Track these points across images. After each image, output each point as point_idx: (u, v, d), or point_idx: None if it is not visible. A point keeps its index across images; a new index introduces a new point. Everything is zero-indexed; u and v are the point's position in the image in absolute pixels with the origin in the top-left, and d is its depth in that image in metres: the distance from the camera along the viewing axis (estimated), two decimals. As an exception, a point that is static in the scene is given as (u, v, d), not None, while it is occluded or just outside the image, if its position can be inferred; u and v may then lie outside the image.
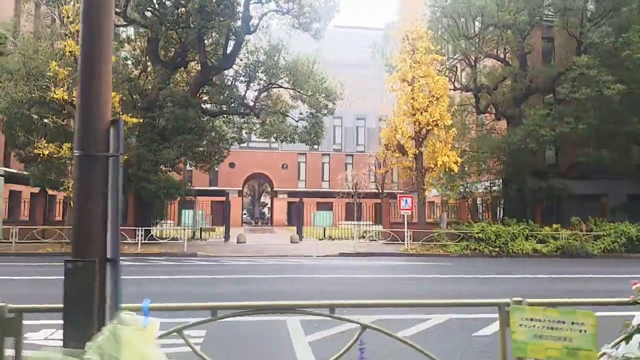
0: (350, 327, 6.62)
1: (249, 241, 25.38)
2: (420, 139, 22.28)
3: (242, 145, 36.09)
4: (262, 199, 69.12)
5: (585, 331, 2.83)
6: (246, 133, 31.80)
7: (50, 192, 23.54)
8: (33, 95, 18.51)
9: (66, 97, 17.95)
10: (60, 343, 5.08)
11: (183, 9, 23.15)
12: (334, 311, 3.40)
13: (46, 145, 17.94)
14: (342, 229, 29.11)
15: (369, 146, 50.79)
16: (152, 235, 21.60)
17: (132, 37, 26.58)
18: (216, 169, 34.81)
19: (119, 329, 2.48)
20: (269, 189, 58.81)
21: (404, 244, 20.88)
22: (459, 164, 21.91)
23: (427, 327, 6.97)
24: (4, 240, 19.25)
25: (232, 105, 27.03)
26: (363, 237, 24.96)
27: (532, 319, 3.01)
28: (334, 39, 41.13)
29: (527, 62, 25.59)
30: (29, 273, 12.63)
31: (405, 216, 21.00)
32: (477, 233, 20.20)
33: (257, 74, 27.21)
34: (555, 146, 25.28)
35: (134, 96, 23.32)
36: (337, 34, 43.04)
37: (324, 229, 28.66)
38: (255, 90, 27.90)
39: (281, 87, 27.85)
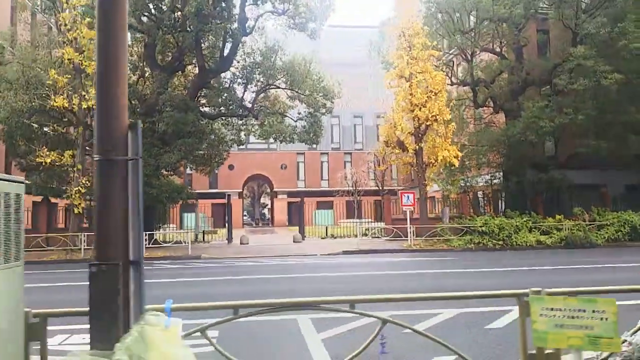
0: (362, 323, 6.81)
1: (251, 242, 25.42)
2: (420, 135, 22.32)
3: (240, 147, 36.09)
4: (262, 200, 69.15)
5: (606, 319, 2.85)
6: (245, 135, 31.84)
7: (52, 199, 23.57)
8: (33, 104, 18.54)
9: (66, 105, 17.98)
10: (75, 348, 5.14)
11: (179, 12, 23.16)
12: (355, 307, 3.46)
13: (48, 153, 17.96)
14: (344, 227, 29.13)
15: (367, 144, 50.89)
16: (155, 239, 21.64)
17: (130, 42, 26.55)
18: (216, 171, 34.83)
19: (145, 330, 2.52)
20: (268, 190, 58.84)
21: (407, 240, 20.90)
22: (459, 159, 21.95)
23: (438, 322, 6.99)
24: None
25: (231, 107, 27.05)
26: (365, 234, 24.98)
27: (552, 309, 3.03)
28: (329, 39, 41.16)
29: (523, 55, 25.63)
30: (35, 280, 12.64)
31: (408, 212, 21.03)
32: (480, 227, 20.24)
33: (254, 76, 27.26)
34: (554, 138, 25.33)
35: (133, 101, 23.33)
36: (332, 33, 43.05)
37: (326, 227, 28.67)
38: (253, 92, 27.94)
39: (279, 87, 27.89)
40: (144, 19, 23.26)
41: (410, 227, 20.82)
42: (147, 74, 25.14)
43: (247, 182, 54.96)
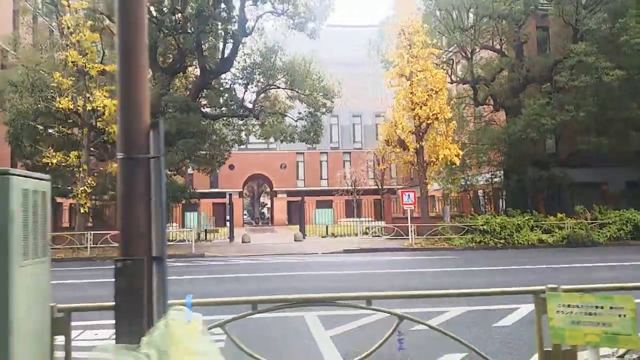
0: (370, 320, 6.87)
1: (253, 241, 25.53)
2: (421, 133, 22.35)
3: (241, 147, 36.14)
4: (262, 199, 69.24)
5: (624, 315, 2.85)
6: (246, 135, 31.89)
7: (57, 199, 23.67)
8: (38, 106, 18.75)
9: (71, 107, 18.20)
10: (90, 343, 5.20)
11: (180, 14, 23.18)
12: (371, 303, 3.50)
13: (54, 154, 18.14)
14: (344, 225, 29.17)
15: (366, 143, 50.94)
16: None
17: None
18: (217, 171, 34.89)
19: (169, 325, 2.57)
20: (268, 189, 58.89)
21: (408, 238, 20.93)
22: (460, 157, 21.97)
23: (446, 319, 7.01)
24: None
25: (232, 107, 27.11)
26: (366, 233, 25.01)
27: (569, 305, 3.03)
28: (328, 38, 41.13)
29: (523, 52, 25.65)
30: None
31: (409, 211, 21.06)
32: (481, 225, 20.22)
33: (254, 76, 27.28)
34: (555, 135, 25.37)
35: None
36: (331, 33, 43.05)
37: (326, 226, 28.70)
38: (253, 92, 27.97)
39: (279, 87, 27.93)
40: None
41: (411, 226, 20.85)
42: (149, 76, 25.13)
43: (247, 182, 55.02)
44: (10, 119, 19.48)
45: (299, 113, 28.37)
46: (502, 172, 25.78)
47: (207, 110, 27.68)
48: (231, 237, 26.28)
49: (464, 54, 26.05)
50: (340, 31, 50.63)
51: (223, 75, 27.10)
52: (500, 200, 26.86)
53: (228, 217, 28.19)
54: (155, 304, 2.76)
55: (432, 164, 22.16)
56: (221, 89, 27.20)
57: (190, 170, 34.31)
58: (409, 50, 22.64)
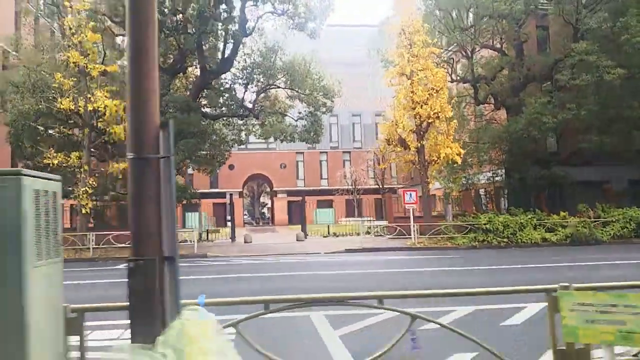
0: (378, 320, 6.84)
1: (254, 241, 25.47)
2: (422, 132, 22.35)
3: (240, 147, 36.15)
4: (262, 199, 69.24)
5: (639, 314, 2.83)
6: (246, 135, 31.89)
7: (58, 200, 23.61)
8: (40, 106, 18.71)
9: (72, 107, 18.18)
10: (99, 343, 5.17)
11: (181, 15, 23.17)
12: (383, 302, 3.52)
13: (55, 155, 18.12)
14: (346, 225, 29.16)
15: (365, 143, 50.96)
16: None
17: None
18: (217, 171, 34.92)
19: (184, 324, 2.59)
20: (267, 189, 58.90)
21: (411, 238, 20.91)
22: (461, 156, 21.95)
23: (453, 319, 6.99)
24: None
25: (232, 107, 27.12)
26: (368, 232, 25.00)
27: (582, 304, 3.01)
28: (328, 38, 41.12)
29: (523, 51, 25.68)
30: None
31: (411, 210, 21.03)
32: (484, 224, 20.15)
33: (254, 76, 27.27)
34: (556, 134, 25.37)
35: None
36: (331, 32, 43.06)
37: (328, 226, 28.68)
38: (253, 92, 27.96)
39: (279, 87, 27.92)
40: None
41: (413, 225, 20.83)
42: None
43: (247, 182, 55.03)
44: (12, 119, 19.48)
45: (299, 113, 28.38)
46: (503, 170, 25.76)
47: (207, 110, 27.67)
48: (233, 237, 26.28)
49: (464, 53, 26.06)
50: (339, 31, 50.63)
51: (223, 76, 27.10)
52: (502, 199, 26.85)
53: (229, 217, 28.21)
54: (168, 303, 2.76)
55: (433, 162, 22.16)
56: (221, 89, 27.20)
57: (190, 171, 34.33)
58: (409, 50, 22.66)
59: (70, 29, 19.45)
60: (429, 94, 21.75)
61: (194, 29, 22.59)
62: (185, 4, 22.53)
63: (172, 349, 2.48)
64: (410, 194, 21.02)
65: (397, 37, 23.58)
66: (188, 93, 25.17)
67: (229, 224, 27.58)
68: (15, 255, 2.26)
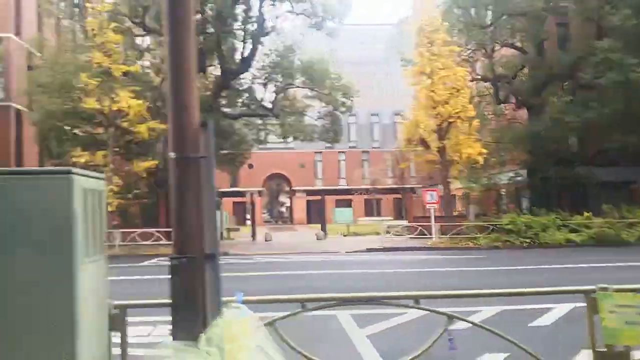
0: (404, 320, 6.82)
1: (275, 239, 25.58)
2: (443, 132, 22.19)
3: (259, 146, 36.31)
4: (280, 198, 69.52)
5: None
6: (265, 134, 32.01)
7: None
8: (66, 106, 18.99)
9: (97, 107, 18.42)
10: (135, 340, 5.25)
11: (200, 15, 23.37)
12: (419, 302, 3.50)
13: (81, 153, 18.44)
14: (365, 224, 29.14)
15: (384, 142, 50.68)
16: None
17: (151, 46, 26.89)
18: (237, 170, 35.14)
19: (226, 322, 2.62)
20: (287, 188, 59.12)
21: (432, 237, 20.79)
22: (484, 156, 21.73)
23: (481, 319, 6.96)
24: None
25: (252, 107, 27.25)
26: (388, 232, 24.91)
27: (622, 306, 2.98)
28: (345, 37, 41.10)
29: (544, 49, 25.31)
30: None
31: (432, 210, 20.90)
32: (506, 224, 19.91)
33: (273, 76, 27.35)
34: (580, 133, 24.93)
35: (158, 103, 23.59)
36: (348, 31, 43.00)
37: (348, 225, 28.68)
38: (272, 92, 28.04)
39: (298, 87, 27.95)
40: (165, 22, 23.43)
41: (435, 225, 20.68)
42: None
43: (266, 181, 55.24)
44: (39, 119, 19.83)
45: (318, 112, 28.40)
46: (525, 170, 25.42)
47: (227, 110, 27.85)
48: (254, 236, 26.45)
49: (485, 52, 25.79)
50: (357, 30, 50.37)
51: (242, 75, 27.24)
52: (523, 199, 26.50)
53: (248, 216, 28.38)
54: (210, 301, 2.80)
55: (455, 162, 21.97)
56: (241, 89, 27.33)
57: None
58: (429, 48, 22.51)
59: (93, 30, 19.73)
60: (449, 93, 21.60)
61: (212, 29, 22.75)
62: (204, 4, 22.73)
63: (215, 347, 2.51)
64: (432, 194, 20.89)
65: (416, 36, 23.46)
66: (208, 93, 25.36)
67: (248, 222, 27.76)
68: (66, 252, 2.31)
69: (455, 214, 24.16)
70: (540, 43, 25.04)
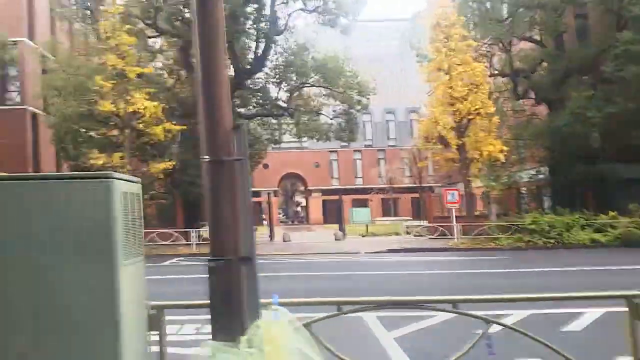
0: (430, 323, 6.62)
1: (292, 239, 25.44)
2: (462, 129, 21.83)
3: (274, 146, 36.28)
4: (295, 198, 69.62)
5: None
6: (280, 134, 31.94)
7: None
8: (81, 109, 19.11)
9: (113, 109, 18.51)
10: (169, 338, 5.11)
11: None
12: (457, 306, 3.42)
13: (98, 155, 18.55)
14: (383, 224, 28.89)
15: (401, 140, 50.32)
16: (203, 236, 22.27)
17: (164, 47, 26.95)
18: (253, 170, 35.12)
19: (265, 323, 2.67)
20: (301, 188, 59.15)
21: (453, 238, 20.44)
22: (504, 153, 21.31)
23: (512, 322, 6.78)
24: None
25: (266, 107, 27.15)
26: (408, 232, 24.63)
27: None
28: (358, 33, 40.95)
29: (563, 43, 24.79)
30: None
31: (453, 210, 20.54)
32: (529, 224, 19.41)
33: (287, 75, 27.23)
34: (602, 129, 24.35)
35: (172, 105, 23.62)
36: (361, 27, 42.83)
37: (366, 225, 28.45)
38: (286, 91, 27.91)
39: (313, 85, 27.78)
40: (178, 23, 23.48)
41: (456, 225, 20.30)
42: (183, 78, 25.44)
43: (281, 181, 55.30)
44: (55, 122, 19.94)
45: (333, 111, 28.23)
46: (546, 168, 24.90)
47: (242, 110, 27.80)
48: (271, 236, 26.39)
49: (502, 46, 25.35)
50: (370, 26, 50.19)
51: (256, 75, 27.16)
52: (545, 198, 25.96)
53: (264, 216, 28.35)
54: (248, 303, 2.84)
55: (475, 160, 21.57)
56: (254, 88, 27.27)
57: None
58: (445, 44, 22.16)
59: (106, 32, 19.81)
60: (468, 89, 21.22)
61: (225, 29, 22.67)
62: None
63: (255, 348, 2.56)
64: (453, 194, 20.55)
65: (432, 31, 23.12)
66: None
67: (264, 222, 27.72)
68: (108, 254, 2.41)
69: (476, 213, 23.68)
70: (559, 36, 24.54)
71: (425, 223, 25.10)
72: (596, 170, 22.76)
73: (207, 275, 2.83)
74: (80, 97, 19.61)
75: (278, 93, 27.89)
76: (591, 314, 6.98)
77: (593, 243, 18.81)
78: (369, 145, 52.38)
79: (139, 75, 20.27)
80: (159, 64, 26.91)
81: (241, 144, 2.93)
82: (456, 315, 3.43)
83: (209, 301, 2.84)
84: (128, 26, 20.55)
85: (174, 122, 20.27)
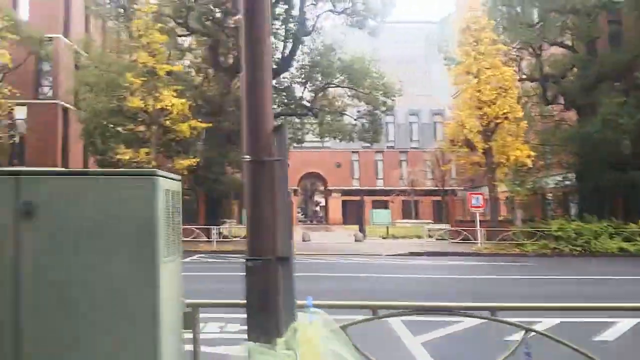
0: (457, 328, 6.55)
1: (312, 239, 25.43)
2: (489, 133, 21.56)
3: (295, 145, 36.36)
4: (315, 198, 69.64)
5: None
6: (304, 133, 31.98)
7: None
8: (111, 105, 19.43)
9: (142, 106, 18.78)
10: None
11: (240, 15, 23.46)
12: (496, 314, 3.37)
13: (126, 150, 18.84)
14: (403, 227, 28.71)
15: (423, 142, 49.91)
16: (224, 234, 22.44)
17: (193, 46, 27.27)
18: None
19: (303, 325, 2.66)
20: (321, 188, 59.12)
21: (477, 242, 20.19)
22: (532, 158, 20.98)
23: (542, 330, 6.67)
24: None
25: (291, 106, 27.23)
26: (430, 236, 24.41)
27: None
28: (384, 35, 40.79)
29: (595, 48, 24.30)
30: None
31: (477, 214, 20.30)
32: (555, 231, 19.10)
33: (313, 75, 27.27)
34: (634, 136, 23.76)
35: (199, 102, 23.87)
36: (387, 29, 42.64)
37: (387, 227, 28.31)
38: (311, 91, 27.95)
39: (338, 86, 27.77)
40: (208, 23, 23.72)
41: (480, 230, 20.05)
42: (210, 76, 25.71)
43: (302, 180, 55.36)
44: (85, 117, 20.35)
45: (358, 111, 28.17)
46: (573, 174, 24.44)
47: (267, 109, 27.90)
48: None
49: (532, 51, 24.98)
50: (396, 27, 49.88)
51: (282, 75, 27.27)
52: (572, 204, 25.46)
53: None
54: (284, 303, 2.85)
55: (501, 165, 21.28)
56: (280, 88, 27.38)
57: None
58: (475, 47, 21.95)
59: (138, 30, 20.12)
60: (497, 93, 20.95)
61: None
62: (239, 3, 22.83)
63: (293, 350, 2.55)
64: (477, 198, 20.30)
65: (461, 34, 22.92)
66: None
67: (286, 221, 27.70)
68: (150, 251, 2.42)
69: (499, 218, 23.37)
70: (591, 41, 24.05)
71: (447, 227, 24.84)
72: (627, 177, 22.21)
73: (243, 274, 2.83)
74: (110, 93, 19.98)
75: (303, 93, 27.94)
76: (623, 324, 6.87)
77: (621, 252, 18.40)
78: (391, 146, 52.04)
79: (168, 73, 20.54)
80: (187, 62, 27.24)
81: (281, 145, 2.95)
82: (485, 322, 3.39)
83: (244, 300, 2.84)
84: (160, 25, 20.85)
85: (199, 120, 20.47)
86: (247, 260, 2.86)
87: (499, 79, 21.20)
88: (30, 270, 2.35)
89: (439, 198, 40.27)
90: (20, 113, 26.02)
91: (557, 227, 19.17)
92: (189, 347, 3.01)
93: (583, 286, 11.48)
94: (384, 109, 27.17)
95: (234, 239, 22.84)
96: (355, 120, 28.19)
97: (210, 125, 21.10)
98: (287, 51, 25.15)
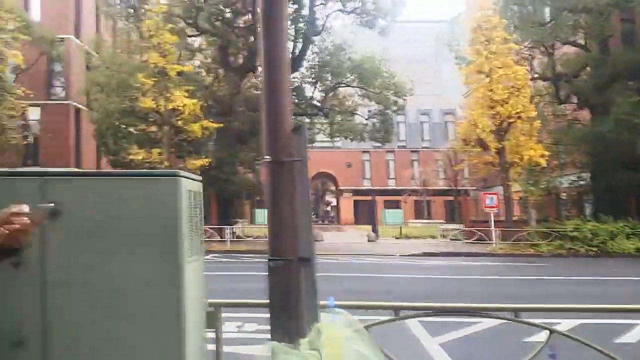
0: (474, 330, 6.50)
1: (325, 239, 25.36)
2: (502, 133, 21.40)
3: (307, 145, 36.31)
4: (326, 198, 69.65)
5: None
6: (314, 133, 31.96)
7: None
8: (123, 105, 19.56)
9: (153, 106, 18.87)
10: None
11: (250, 15, 23.56)
12: (519, 315, 3.32)
13: (138, 151, 18.93)
14: (416, 227, 28.58)
15: (435, 141, 49.68)
16: (237, 234, 22.52)
17: (203, 46, 27.37)
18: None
19: (326, 326, 2.64)
20: (332, 188, 59.08)
21: (491, 243, 20.02)
22: (545, 157, 20.79)
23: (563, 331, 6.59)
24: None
25: (301, 106, 27.22)
26: (444, 236, 24.25)
27: None
28: (394, 34, 40.69)
29: (608, 47, 24.03)
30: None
31: (491, 214, 20.13)
32: (570, 231, 18.90)
33: (323, 74, 27.24)
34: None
35: (209, 102, 23.95)
36: (397, 28, 42.51)
37: (400, 227, 28.20)
38: (321, 91, 27.93)
39: (348, 86, 27.72)
40: (218, 23, 23.79)
41: (495, 230, 19.88)
42: (221, 76, 25.77)
43: (313, 180, 55.35)
44: (98, 117, 20.49)
45: (369, 111, 28.10)
46: (587, 174, 24.20)
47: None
48: (303, 235, 26.41)
49: (545, 50, 24.77)
50: (406, 27, 49.75)
51: (292, 74, 27.23)
52: (586, 204, 25.20)
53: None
54: (306, 304, 2.83)
55: (515, 164, 21.11)
56: (290, 87, 27.37)
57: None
58: (486, 46, 21.79)
59: (149, 31, 20.22)
60: (509, 93, 20.79)
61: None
62: (255, 4, 22.89)
63: (317, 350, 2.53)
64: (492, 198, 20.14)
65: (472, 34, 22.78)
66: (259, 92, 25.52)
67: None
68: (174, 251, 2.43)
69: (514, 218, 23.19)
70: (604, 40, 23.79)
71: (460, 227, 24.66)
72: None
73: (266, 274, 2.83)
74: (122, 94, 20.12)
75: (313, 92, 27.95)
76: (642, 327, 6.71)
77: (638, 252, 18.13)
78: (403, 146, 51.86)
79: (179, 73, 20.63)
80: (197, 62, 27.34)
81: (301, 145, 2.94)
82: (501, 323, 3.36)
83: (267, 300, 2.85)
84: (170, 25, 20.93)
85: (211, 120, 20.55)
86: (269, 260, 2.87)
87: (511, 78, 21.04)
88: (56, 270, 2.37)
89: (451, 198, 40.06)
90: (34, 114, 26.29)
91: (573, 228, 18.99)
92: (211, 346, 3.01)
93: (602, 287, 11.33)
94: (395, 108, 27.09)
95: (247, 239, 22.91)
96: (366, 119, 28.14)
97: (222, 125, 21.17)
98: (297, 51, 25.16)
